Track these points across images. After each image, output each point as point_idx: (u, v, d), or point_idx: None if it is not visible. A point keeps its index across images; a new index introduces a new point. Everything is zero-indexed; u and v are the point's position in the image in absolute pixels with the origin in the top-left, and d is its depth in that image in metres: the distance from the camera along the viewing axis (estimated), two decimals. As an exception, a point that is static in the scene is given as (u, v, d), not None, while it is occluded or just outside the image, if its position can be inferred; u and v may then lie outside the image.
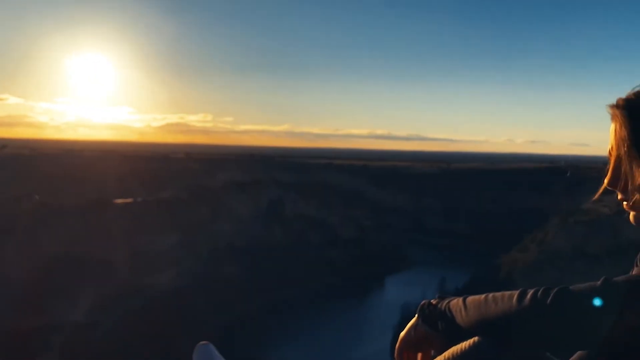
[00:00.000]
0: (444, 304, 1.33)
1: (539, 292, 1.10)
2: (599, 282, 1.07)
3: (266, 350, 51.15)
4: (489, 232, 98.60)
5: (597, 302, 1.03)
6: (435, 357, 1.29)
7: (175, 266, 61.49)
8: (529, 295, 1.11)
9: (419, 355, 1.44)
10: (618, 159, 1.22)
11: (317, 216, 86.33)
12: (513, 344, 1.15)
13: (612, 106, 1.23)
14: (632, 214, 1.24)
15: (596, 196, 1.37)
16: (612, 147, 1.24)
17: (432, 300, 1.39)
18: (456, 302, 1.29)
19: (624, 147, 1.18)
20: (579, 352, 1.48)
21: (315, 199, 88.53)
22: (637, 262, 1.41)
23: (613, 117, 1.22)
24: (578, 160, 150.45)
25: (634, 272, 1.14)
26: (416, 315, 1.42)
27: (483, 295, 1.23)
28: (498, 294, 1.20)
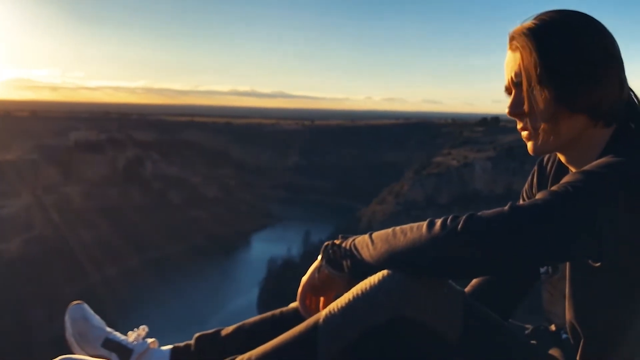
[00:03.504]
0: (349, 243, 1.27)
1: (448, 220, 1.11)
2: (506, 208, 1.08)
3: (129, 314, 49.41)
4: (351, 186, 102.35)
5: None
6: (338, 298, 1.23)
7: (24, 232, 57.06)
8: (438, 224, 1.11)
9: (322, 299, 1.40)
10: (526, 85, 1.21)
11: (178, 176, 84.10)
12: (423, 273, 1.15)
13: (518, 34, 1.22)
14: (530, 143, 1.25)
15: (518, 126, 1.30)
16: (514, 76, 1.24)
17: (335, 241, 1.31)
18: (362, 239, 1.25)
19: (535, 72, 1.19)
20: (475, 280, 1.52)
21: (177, 158, 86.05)
22: (522, 196, 1.50)
23: (521, 45, 1.21)
24: (430, 117, 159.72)
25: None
26: (319, 257, 1.34)
27: (390, 229, 1.22)
28: (405, 226, 1.19)
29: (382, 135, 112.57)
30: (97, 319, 1.61)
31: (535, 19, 1.23)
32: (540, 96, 1.19)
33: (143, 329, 1.59)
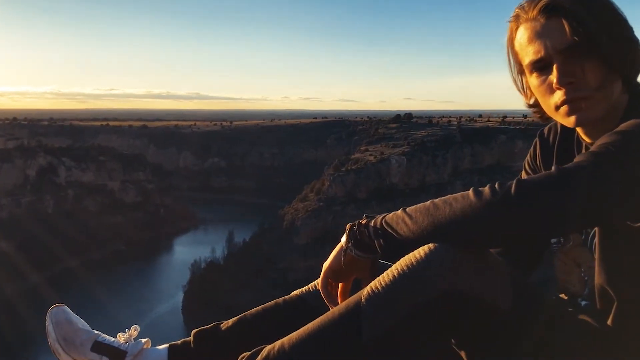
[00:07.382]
0: (379, 221, 1.20)
1: (496, 186, 1.07)
2: (553, 171, 1.07)
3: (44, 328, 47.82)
4: (272, 185, 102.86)
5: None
6: (369, 280, 1.17)
7: None
8: (487, 191, 1.07)
9: (340, 285, 1.35)
10: (578, 53, 1.16)
11: (94, 182, 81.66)
12: (474, 243, 1.10)
13: (561, 2, 1.16)
14: (575, 115, 1.19)
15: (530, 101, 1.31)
16: (557, 44, 1.17)
17: (360, 221, 1.25)
18: (394, 216, 1.19)
19: (589, 39, 1.14)
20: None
21: (92, 164, 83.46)
22: (524, 168, 1.50)
23: (568, 13, 1.16)
24: (347, 114, 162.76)
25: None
26: (343, 240, 1.27)
27: (428, 202, 1.15)
28: (446, 197, 1.13)
29: (300, 133, 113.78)
30: (82, 322, 1.52)
31: None
32: (595, 62, 1.16)
33: (134, 329, 1.49)
